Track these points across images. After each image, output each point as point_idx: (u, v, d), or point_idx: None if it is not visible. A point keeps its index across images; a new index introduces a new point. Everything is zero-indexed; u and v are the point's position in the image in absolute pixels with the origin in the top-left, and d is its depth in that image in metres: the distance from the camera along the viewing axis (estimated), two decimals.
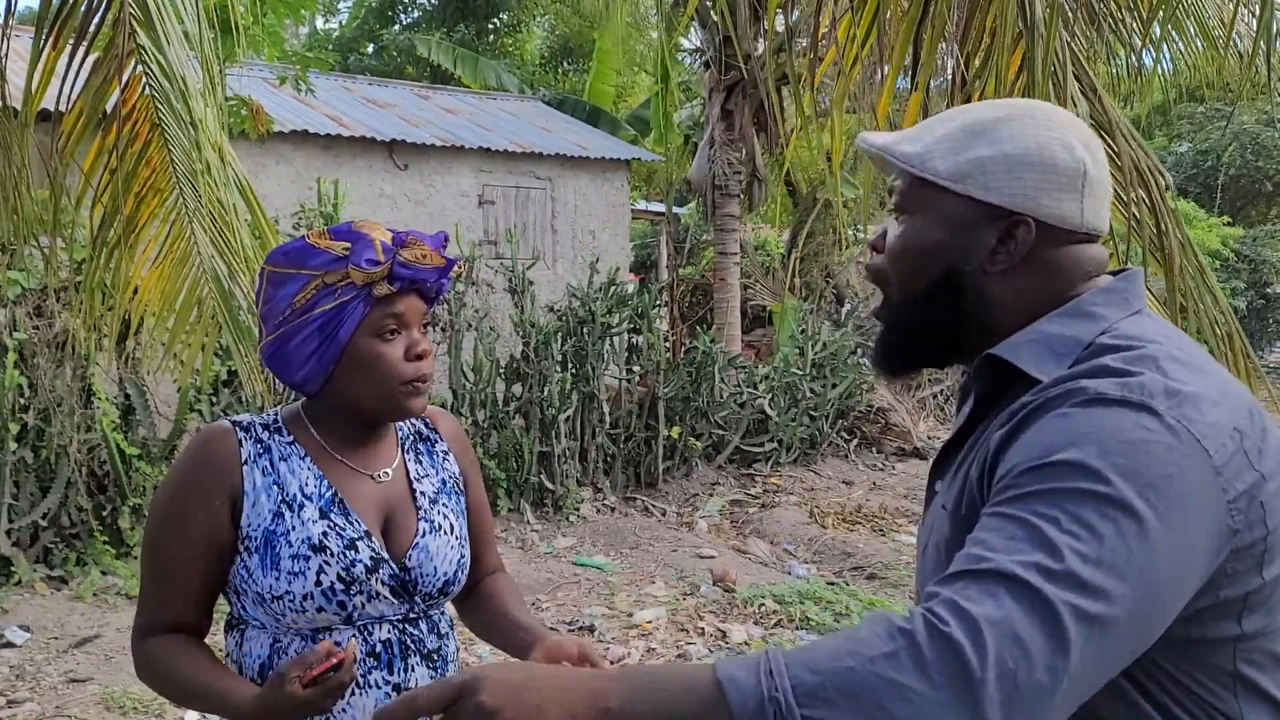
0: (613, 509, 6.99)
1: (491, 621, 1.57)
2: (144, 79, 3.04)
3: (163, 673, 1.41)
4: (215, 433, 1.43)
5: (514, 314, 6.90)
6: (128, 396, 5.30)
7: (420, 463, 1.55)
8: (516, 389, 6.86)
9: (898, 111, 2.82)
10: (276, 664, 1.40)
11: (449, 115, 10.01)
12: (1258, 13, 2.38)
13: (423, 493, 1.51)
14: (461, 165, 9.09)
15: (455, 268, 1.47)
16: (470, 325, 6.68)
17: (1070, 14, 2.35)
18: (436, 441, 1.59)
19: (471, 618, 1.63)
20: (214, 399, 5.52)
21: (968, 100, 2.65)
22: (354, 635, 1.41)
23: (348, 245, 1.38)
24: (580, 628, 4.64)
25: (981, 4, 2.40)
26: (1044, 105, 1.11)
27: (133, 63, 2.98)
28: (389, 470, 1.50)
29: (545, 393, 6.70)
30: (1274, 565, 0.96)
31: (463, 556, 1.52)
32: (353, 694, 1.40)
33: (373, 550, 1.41)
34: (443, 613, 1.54)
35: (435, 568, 1.46)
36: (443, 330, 6.62)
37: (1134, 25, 3.20)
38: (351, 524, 1.42)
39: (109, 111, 3.05)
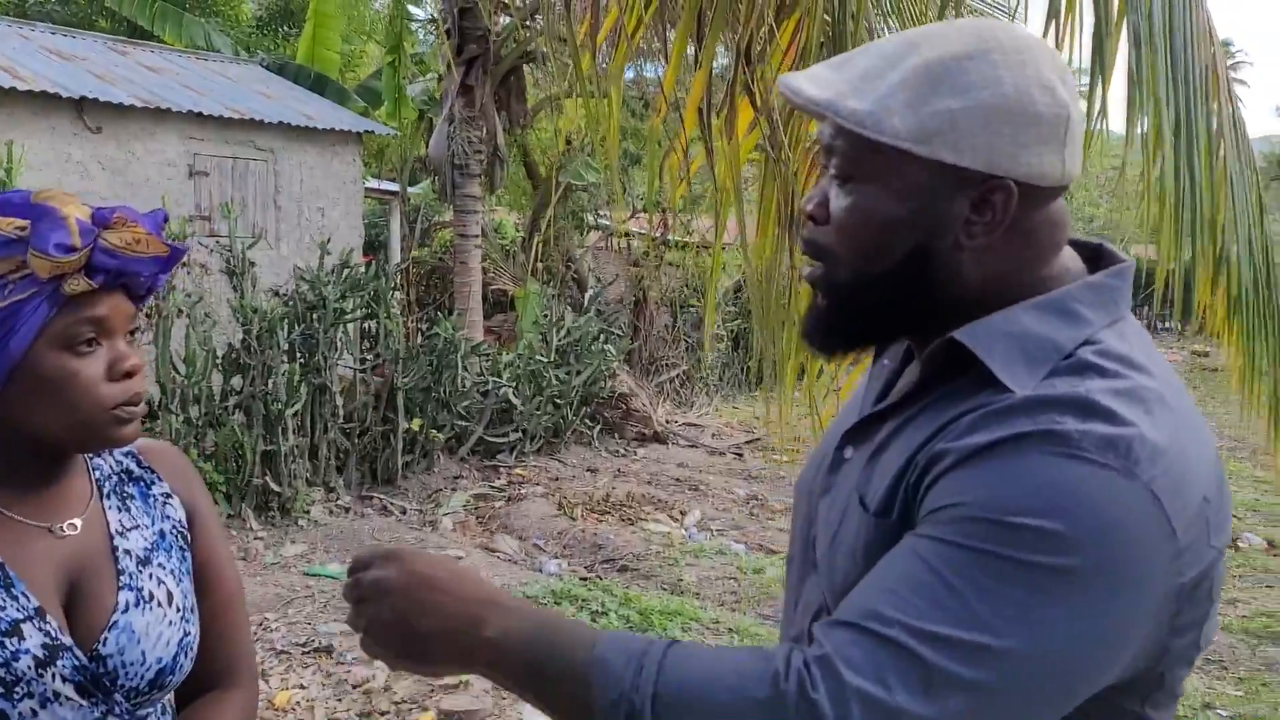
0: (347, 509, 6.48)
1: None
2: None
3: None
4: None
5: (233, 299, 6.22)
6: None
7: (127, 510, 1.16)
8: (236, 382, 6.19)
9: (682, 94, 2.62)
10: None
11: (152, 74, 8.92)
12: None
13: (127, 551, 1.13)
14: (168, 131, 8.12)
15: (183, 258, 1.09)
16: (181, 311, 5.92)
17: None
18: (154, 482, 1.20)
19: None
20: None
21: (750, 83, 2.49)
22: None
23: (24, 224, 0.99)
24: (316, 649, 4.18)
25: None
26: (1010, 29, 0.93)
27: None
28: (76, 522, 1.11)
29: (270, 385, 6.09)
30: (1209, 623, 0.91)
31: (186, 635, 1.14)
32: None
33: (47, 634, 1.04)
34: (163, 712, 1.16)
35: (143, 653, 1.09)
36: (148, 317, 5.84)
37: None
38: (15, 599, 1.03)
39: None
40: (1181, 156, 2.24)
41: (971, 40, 0.89)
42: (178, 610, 1.14)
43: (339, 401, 6.56)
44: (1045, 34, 2.06)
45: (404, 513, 6.64)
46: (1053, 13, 2.09)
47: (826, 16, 2.02)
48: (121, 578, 1.11)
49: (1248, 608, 5.36)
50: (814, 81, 0.92)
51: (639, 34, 2.45)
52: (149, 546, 1.16)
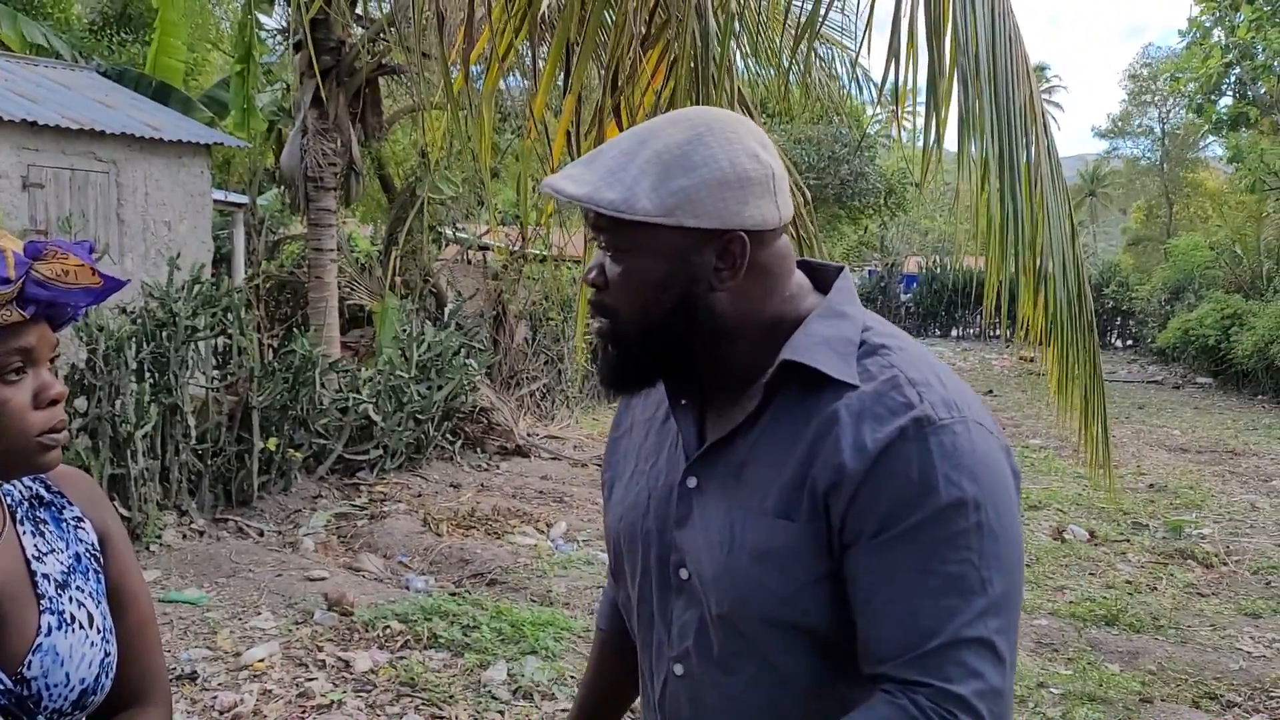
0: (202, 533, 6.28)
1: None
2: None
3: None
4: None
5: None
6: None
7: (41, 534, 1.18)
8: (80, 403, 5.92)
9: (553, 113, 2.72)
10: None
11: None
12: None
13: (45, 575, 1.15)
14: (0, 141, 7.70)
15: (119, 290, 1.13)
16: None
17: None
18: (64, 507, 1.22)
19: None
20: None
21: (618, 107, 2.62)
22: None
23: None
24: (180, 676, 4.07)
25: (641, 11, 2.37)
26: (715, 114, 1.14)
27: None
28: None
29: (118, 407, 5.86)
30: None
31: (107, 655, 1.17)
32: None
33: None
34: None
35: (67, 675, 1.11)
36: None
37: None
38: None
39: None
40: (1005, 184, 2.49)
41: (688, 129, 1.10)
42: (98, 631, 1.17)
43: (191, 422, 6.35)
44: (885, 73, 2.27)
45: (262, 534, 6.48)
46: (893, 53, 2.30)
47: (691, 50, 2.17)
48: (42, 601, 1.13)
49: (1074, 594, 5.80)
50: (572, 180, 1.10)
51: (510, 57, 2.54)
52: (66, 570, 1.18)
